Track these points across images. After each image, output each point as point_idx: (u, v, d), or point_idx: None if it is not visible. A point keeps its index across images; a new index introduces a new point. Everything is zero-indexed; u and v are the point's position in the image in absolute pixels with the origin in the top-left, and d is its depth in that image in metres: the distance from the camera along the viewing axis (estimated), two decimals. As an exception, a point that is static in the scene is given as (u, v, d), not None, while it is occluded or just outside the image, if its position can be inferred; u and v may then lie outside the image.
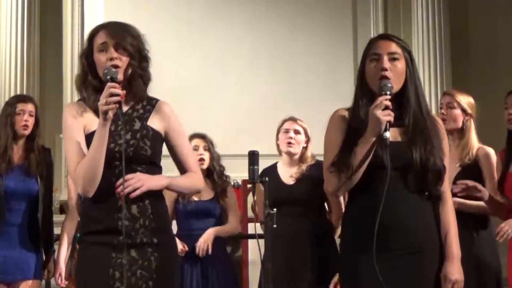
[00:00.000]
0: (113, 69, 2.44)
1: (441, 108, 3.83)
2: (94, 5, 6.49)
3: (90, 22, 6.19)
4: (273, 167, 4.18)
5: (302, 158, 4.11)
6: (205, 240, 4.17)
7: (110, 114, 2.37)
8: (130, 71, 2.52)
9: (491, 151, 3.68)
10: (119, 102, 2.37)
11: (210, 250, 4.15)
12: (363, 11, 6.87)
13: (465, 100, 3.76)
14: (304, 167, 4.07)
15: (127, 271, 2.45)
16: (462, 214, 3.53)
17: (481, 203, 3.51)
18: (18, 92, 5.97)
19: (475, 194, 3.44)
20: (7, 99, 5.66)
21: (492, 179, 3.64)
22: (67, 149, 2.52)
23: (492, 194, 3.53)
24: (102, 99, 2.36)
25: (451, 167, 3.64)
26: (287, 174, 4.10)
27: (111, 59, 2.48)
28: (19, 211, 3.86)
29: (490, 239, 3.62)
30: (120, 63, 2.49)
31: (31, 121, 3.95)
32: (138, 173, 2.46)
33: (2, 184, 3.82)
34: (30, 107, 3.98)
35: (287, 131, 4.11)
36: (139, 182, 2.43)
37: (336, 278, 3.78)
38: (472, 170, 3.63)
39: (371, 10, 6.88)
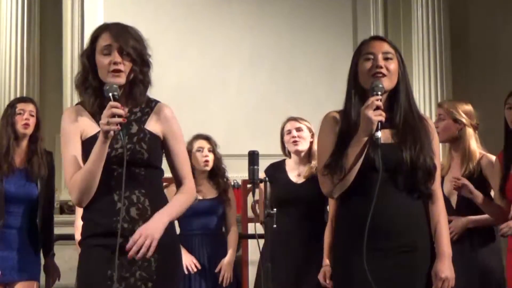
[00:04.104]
0: (115, 86, 2.41)
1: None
2: (94, 5, 6.49)
3: (90, 22, 6.20)
4: (281, 165, 4.18)
5: (310, 154, 4.12)
6: (228, 271, 4.24)
7: (112, 133, 2.35)
8: (132, 76, 2.50)
9: (494, 159, 3.65)
10: (120, 124, 2.34)
11: (232, 278, 4.24)
12: (363, 11, 6.87)
13: (459, 109, 3.70)
14: (313, 166, 4.06)
15: (126, 272, 2.44)
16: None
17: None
18: (18, 92, 5.97)
19: (466, 194, 3.45)
20: (7, 98, 5.71)
21: (497, 182, 3.61)
22: (64, 156, 2.50)
23: (499, 201, 3.53)
24: (104, 119, 2.34)
25: (455, 176, 3.63)
26: (296, 173, 4.11)
27: (115, 63, 2.45)
28: (18, 214, 3.86)
29: (494, 244, 3.62)
30: (123, 68, 2.47)
31: (32, 121, 3.94)
32: (139, 231, 2.39)
33: (2, 188, 3.81)
34: (30, 107, 3.97)
35: (289, 131, 4.12)
36: (148, 239, 2.38)
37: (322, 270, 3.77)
38: (476, 180, 3.60)
39: (371, 10, 6.88)
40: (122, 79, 2.47)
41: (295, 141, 4.08)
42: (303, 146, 4.10)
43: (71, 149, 2.48)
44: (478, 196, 3.47)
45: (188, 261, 4.17)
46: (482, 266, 3.53)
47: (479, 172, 3.62)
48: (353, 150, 2.46)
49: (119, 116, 2.33)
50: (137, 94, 2.53)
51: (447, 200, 3.20)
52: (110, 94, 2.38)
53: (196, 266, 4.20)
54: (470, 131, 3.69)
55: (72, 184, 2.44)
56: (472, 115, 3.73)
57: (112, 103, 2.35)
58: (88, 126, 2.50)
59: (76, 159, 2.47)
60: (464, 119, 3.68)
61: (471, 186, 3.46)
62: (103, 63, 2.47)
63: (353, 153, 2.46)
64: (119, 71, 2.45)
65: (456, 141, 3.71)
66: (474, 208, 3.55)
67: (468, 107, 3.75)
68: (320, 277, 3.78)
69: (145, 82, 2.54)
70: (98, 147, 2.38)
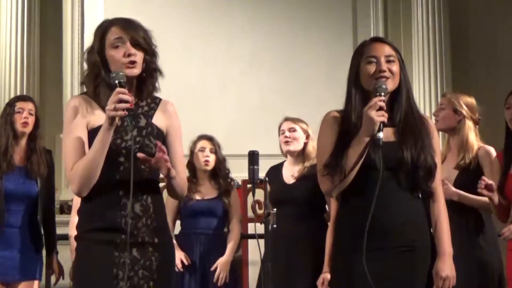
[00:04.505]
0: (121, 73, 2.40)
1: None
2: (94, 5, 6.49)
3: (90, 22, 6.20)
4: (279, 166, 4.22)
5: (304, 155, 4.13)
6: (224, 271, 4.24)
7: (117, 120, 2.34)
8: (144, 66, 2.50)
9: (492, 150, 3.64)
10: (127, 109, 2.33)
11: (228, 279, 4.23)
12: (363, 11, 6.87)
13: (460, 100, 3.71)
14: (307, 166, 4.08)
15: (130, 270, 2.44)
16: (464, 216, 3.54)
17: (483, 198, 3.49)
18: (18, 92, 5.96)
19: (489, 194, 3.42)
20: (7, 98, 5.70)
21: (494, 177, 3.60)
22: (65, 145, 2.47)
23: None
24: (110, 104, 2.32)
25: (450, 168, 3.64)
26: (290, 173, 4.13)
27: (130, 54, 2.45)
28: (19, 212, 3.86)
29: (493, 241, 3.61)
30: (137, 59, 2.47)
31: (31, 119, 3.94)
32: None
33: (2, 186, 3.81)
34: (29, 105, 3.97)
35: (283, 132, 4.17)
36: (166, 158, 2.41)
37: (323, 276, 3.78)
38: (472, 170, 3.60)
39: (371, 10, 6.88)
40: (137, 70, 2.48)
41: (287, 141, 4.12)
42: (295, 147, 4.12)
43: (75, 137, 2.45)
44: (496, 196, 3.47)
45: (177, 258, 4.17)
46: (481, 257, 3.53)
47: (476, 164, 3.61)
48: (354, 150, 2.47)
49: (126, 102, 2.33)
50: (151, 84, 2.54)
51: None
52: (117, 81, 2.38)
53: (184, 263, 4.20)
54: (469, 123, 3.68)
55: (74, 172, 2.41)
56: (474, 109, 3.72)
57: (119, 89, 2.35)
58: (96, 116, 2.48)
59: (79, 148, 2.44)
60: (464, 111, 3.69)
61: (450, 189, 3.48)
62: (116, 57, 2.46)
63: (354, 154, 2.47)
64: (134, 62, 2.45)
65: (454, 132, 3.71)
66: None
67: (471, 100, 3.75)
68: (319, 283, 3.79)
69: (157, 71, 2.56)
70: (102, 134, 2.36)
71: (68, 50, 6.41)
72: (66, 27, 6.48)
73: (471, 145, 3.64)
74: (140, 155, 2.39)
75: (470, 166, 3.61)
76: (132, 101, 2.37)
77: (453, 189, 3.54)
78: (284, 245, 3.91)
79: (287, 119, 4.23)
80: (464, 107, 3.69)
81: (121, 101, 2.32)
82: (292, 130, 4.14)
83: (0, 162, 3.85)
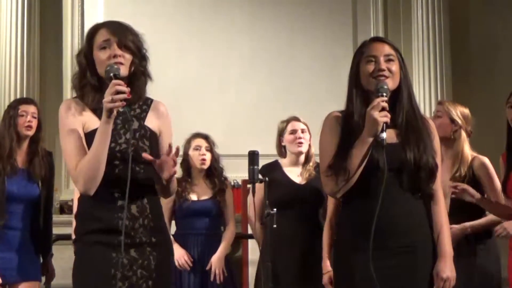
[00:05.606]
0: (115, 66, 2.41)
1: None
2: (94, 5, 6.49)
3: (90, 22, 6.13)
4: (276, 166, 4.15)
5: (307, 156, 4.11)
6: (219, 267, 4.21)
7: (115, 112, 2.35)
8: (132, 69, 2.51)
9: (486, 160, 3.64)
10: (125, 100, 2.34)
11: (226, 273, 4.21)
12: (363, 11, 6.88)
13: (456, 110, 3.70)
14: (311, 166, 4.06)
15: (128, 270, 2.45)
16: (462, 220, 3.53)
17: (490, 217, 3.50)
18: (18, 92, 5.97)
19: (467, 198, 3.42)
20: (7, 99, 5.70)
21: (493, 187, 3.60)
22: (65, 146, 2.47)
23: (498, 201, 3.51)
24: (107, 96, 2.33)
25: (444, 178, 3.62)
26: (295, 174, 4.09)
27: (115, 56, 2.45)
28: (20, 214, 3.87)
29: (491, 244, 3.61)
30: (124, 61, 2.47)
31: (34, 122, 3.95)
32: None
33: (5, 188, 3.82)
34: (32, 108, 3.98)
35: (294, 131, 4.09)
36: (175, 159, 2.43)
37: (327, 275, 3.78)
38: (468, 182, 3.57)
39: (371, 10, 6.89)
40: (124, 71, 2.46)
41: (300, 142, 4.06)
42: (305, 148, 4.10)
43: (74, 137, 2.45)
44: (476, 194, 3.46)
45: (180, 256, 4.16)
46: (480, 265, 3.53)
47: (471, 175, 3.61)
48: (357, 151, 2.47)
49: (123, 92, 2.33)
50: (139, 87, 2.53)
51: None
52: (112, 74, 2.38)
53: (188, 264, 4.19)
54: (464, 134, 3.68)
55: (78, 172, 2.41)
56: (469, 121, 3.72)
57: (115, 81, 2.35)
58: (89, 119, 2.49)
59: (80, 148, 2.44)
60: (460, 121, 3.68)
61: (471, 190, 3.45)
62: (102, 58, 2.47)
63: (357, 154, 2.47)
64: (119, 63, 2.45)
65: (448, 142, 3.69)
66: (467, 210, 3.53)
67: (467, 111, 3.74)
68: (326, 281, 3.77)
69: (145, 75, 2.55)
70: (101, 128, 2.37)
71: (68, 50, 6.41)
72: (66, 27, 6.48)
73: (466, 156, 3.64)
74: (145, 155, 2.41)
75: (466, 178, 3.60)
76: (128, 91, 2.37)
77: (458, 227, 3.51)
78: (293, 245, 3.90)
79: (295, 118, 4.16)
80: (461, 117, 3.68)
81: (118, 92, 2.32)
82: (303, 130, 4.10)
83: (4, 165, 3.85)
